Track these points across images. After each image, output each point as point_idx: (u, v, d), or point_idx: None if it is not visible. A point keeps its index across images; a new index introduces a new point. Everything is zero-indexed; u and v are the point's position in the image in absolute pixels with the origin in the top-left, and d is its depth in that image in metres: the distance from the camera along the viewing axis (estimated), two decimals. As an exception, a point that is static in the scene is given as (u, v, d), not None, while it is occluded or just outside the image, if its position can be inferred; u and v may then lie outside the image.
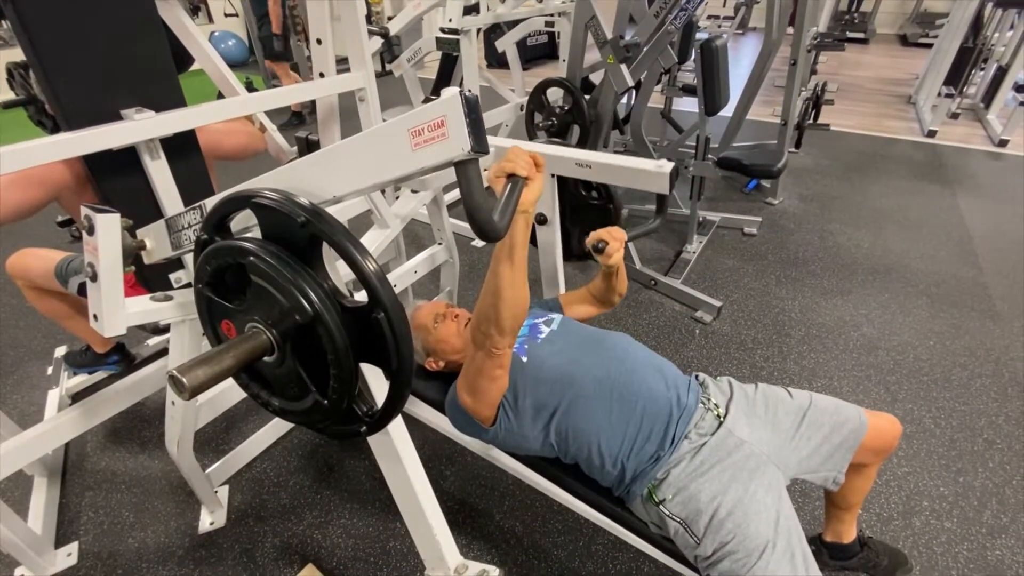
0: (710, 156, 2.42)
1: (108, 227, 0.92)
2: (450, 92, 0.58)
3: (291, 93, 1.56)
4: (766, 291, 2.42)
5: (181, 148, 1.33)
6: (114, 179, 1.29)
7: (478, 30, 2.91)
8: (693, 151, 2.43)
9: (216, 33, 7.02)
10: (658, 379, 1.00)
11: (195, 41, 1.71)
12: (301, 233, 0.66)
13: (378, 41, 2.56)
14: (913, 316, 2.23)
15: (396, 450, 0.92)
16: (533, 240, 2.14)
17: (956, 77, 4.73)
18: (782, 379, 1.92)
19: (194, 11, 7.07)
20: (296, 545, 1.40)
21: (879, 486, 1.52)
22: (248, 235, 0.77)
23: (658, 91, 4.44)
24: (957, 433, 1.69)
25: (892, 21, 8.92)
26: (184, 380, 0.61)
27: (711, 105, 2.17)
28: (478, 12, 2.36)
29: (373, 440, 0.95)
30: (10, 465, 1.20)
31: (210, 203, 0.84)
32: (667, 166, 1.09)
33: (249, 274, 0.69)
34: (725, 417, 0.98)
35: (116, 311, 0.99)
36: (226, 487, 1.55)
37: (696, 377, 1.08)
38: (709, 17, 6.99)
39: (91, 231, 0.91)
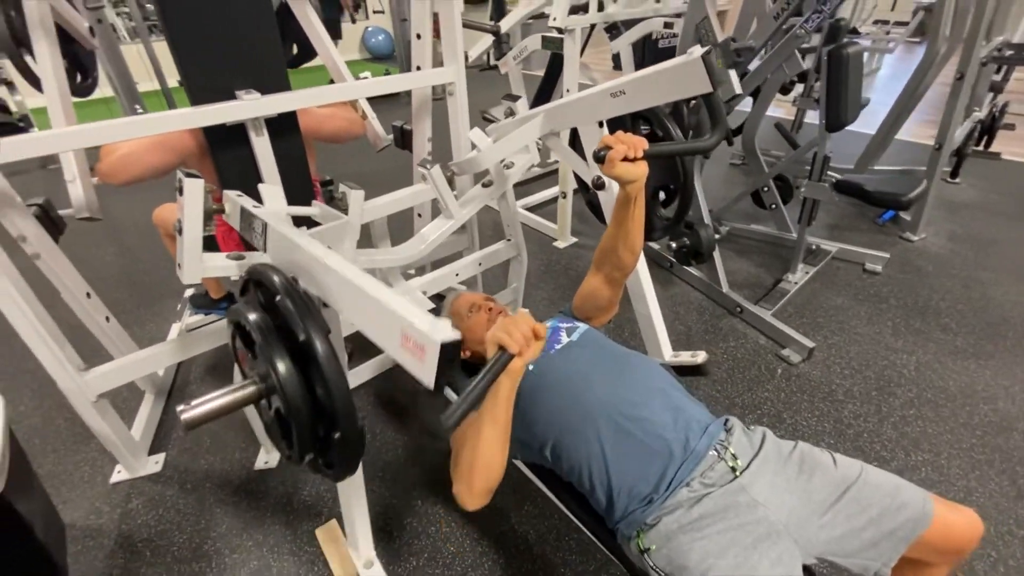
0: (829, 176, 2.13)
1: (193, 190, 1.06)
2: (440, 332, 0.57)
3: (387, 83, 1.67)
4: (877, 339, 2.09)
5: (283, 128, 1.49)
6: (226, 150, 1.48)
7: (591, 29, 2.87)
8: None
9: (370, 28, 7.74)
10: (667, 416, 0.92)
11: (316, 34, 1.90)
12: (303, 343, 0.73)
13: (489, 38, 2.63)
14: (1076, 399, 1.78)
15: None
16: (599, 213, 1.92)
17: None
18: (871, 443, 1.65)
19: (356, 7, 7.85)
20: (327, 499, 1.52)
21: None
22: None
23: (791, 102, 4.01)
24: (1106, 557, 1.33)
25: None
26: (181, 418, 0.74)
27: (833, 120, 1.91)
28: (587, 12, 2.31)
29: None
30: (122, 377, 1.44)
31: (272, 230, 0.94)
32: (697, 51, 0.91)
33: (255, 350, 0.78)
34: (743, 472, 0.87)
35: (193, 262, 1.14)
36: (284, 433, 1.72)
37: (725, 422, 0.97)
38: (876, 22, 6.12)
39: (180, 192, 1.06)
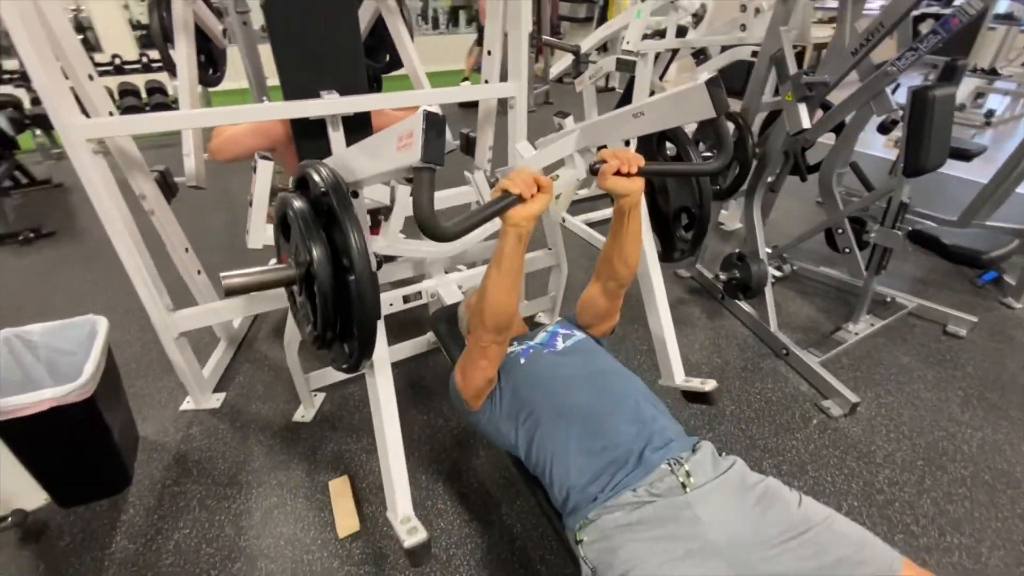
0: (906, 225, 1.98)
1: (264, 169, 1.27)
2: (422, 109, 0.70)
3: (451, 93, 1.82)
4: (940, 408, 1.90)
5: (356, 125, 1.68)
6: (308, 141, 1.70)
7: (672, 54, 2.87)
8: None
9: (476, 40, 8.15)
10: (631, 427, 0.95)
11: (403, 45, 2.11)
12: (325, 200, 0.86)
13: (569, 57, 2.73)
14: None
15: (378, 397, 1.08)
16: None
17: None
18: (902, 514, 1.52)
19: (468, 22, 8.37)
20: (346, 458, 1.68)
21: None
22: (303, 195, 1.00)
23: (892, 143, 3.70)
24: None
25: None
26: (223, 283, 0.88)
27: (912, 165, 1.78)
28: (664, 37, 2.34)
29: (368, 383, 1.15)
30: (201, 321, 1.70)
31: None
32: (703, 77, 0.94)
33: (289, 224, 0.93)
34: (694, 490, 0.88)
35: (258, 229, 1.35)
36: (322, 394, 1.92)
37: (695, 443, 0.98)
38: (1025, 63, 5.40)
39: (254, 171, 1.27)
